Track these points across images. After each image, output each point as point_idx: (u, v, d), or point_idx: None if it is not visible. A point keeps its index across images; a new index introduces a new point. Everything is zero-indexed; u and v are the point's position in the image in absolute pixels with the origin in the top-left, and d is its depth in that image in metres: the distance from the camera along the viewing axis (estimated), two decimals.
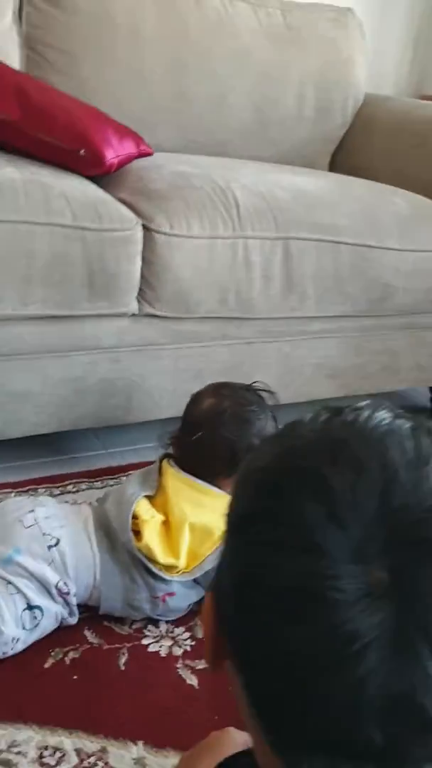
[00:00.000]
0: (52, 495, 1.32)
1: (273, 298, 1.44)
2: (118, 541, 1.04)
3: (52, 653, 0.99)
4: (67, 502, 1.26)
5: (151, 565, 1.03)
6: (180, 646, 1.04)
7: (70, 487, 1.36)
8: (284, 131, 2.00)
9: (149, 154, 1.56)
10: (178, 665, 1.01)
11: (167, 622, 1.08)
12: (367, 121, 2.10)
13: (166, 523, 1.07)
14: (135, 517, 1.05)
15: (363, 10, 2.21)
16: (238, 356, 1.50)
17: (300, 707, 0.41)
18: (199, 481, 1.11)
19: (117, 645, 1.03)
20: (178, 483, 1.11)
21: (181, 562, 1.04)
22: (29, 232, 1.15)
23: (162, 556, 1.03)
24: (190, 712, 0.94)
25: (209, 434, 1.12)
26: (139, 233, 1.26)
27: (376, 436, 0.43)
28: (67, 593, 1.00)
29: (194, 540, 1.05)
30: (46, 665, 0.97)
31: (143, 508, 1.06)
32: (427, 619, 0.38)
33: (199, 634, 1.06)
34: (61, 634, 1.02)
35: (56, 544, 1.00)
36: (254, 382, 1.22)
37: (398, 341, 1.70)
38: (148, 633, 1.06)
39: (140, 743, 0.88)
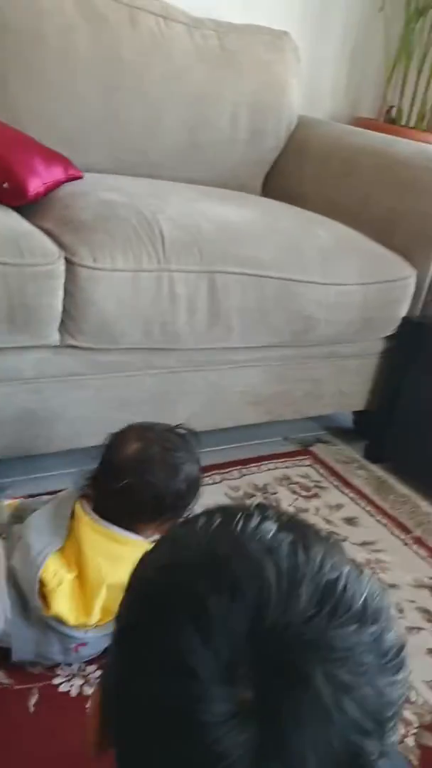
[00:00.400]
0: None
1: (198, 329, 1.46)
2: (27, 598, 1.03)
3: None
4: None
5: (62, 628, 1.02)
6: (91, 685, 1.05)
7: None
8: (217, 153, 2.02)
9: (78, 178, 1.57)
10: (88, 705, 1.02)
11: None
12: (300, 145, 2.14)
13: (78, 577, 1.05)
14: (42, 582, 1.02)
15: (300, 32, 2.25)
16: (163, 385, 1.52)
17: None
18: (117, 530, 1.08)
19: (27, 685, 1.03)
20: (94, 535, 1.07)
21: (94, 619, 1.04)
22: None
23: (74, 619, 1.02)
24: (101, 758, 0.95)
25: (136, 482, 1.08)
26: (62, 267, 1.26)
27: (256, 555, 0.45)
28: None
29: (109, 597, 1.03)
30: None
31: (50, 573, 1.02)
32: (286, 738, 0.41)
33: None
34: None
35: None
36: (178, 425, 1.19)
37: (321, 369, 1.75)
38: (59, 672, 1.07)
39: None
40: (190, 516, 0.52)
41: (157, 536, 1.13)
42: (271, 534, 0.47)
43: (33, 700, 1.01)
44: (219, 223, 1.51)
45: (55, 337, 1.30)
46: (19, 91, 1.69)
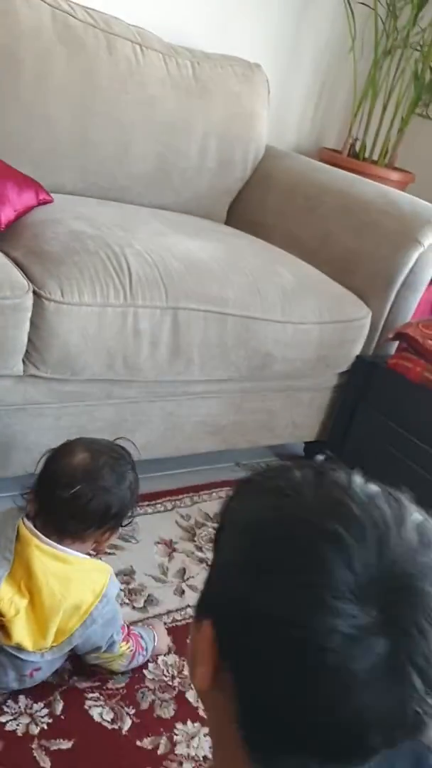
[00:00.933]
0: None
1: (159, 363, 1.48)
2: None
3: None
4: None
5: (21, 655, 1.04)
6: (37, 724, 1.07)
7: None
8: (185, 181, 2.05)
9: (49, 202, 1.58)
10: (33, 745, 1.03)
11: (27, 696, 1.10)
12: (265, 177, 2.18)
13: (31, 602, 1.06)
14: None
15: (271, 64, 2.30)
16: (121, 414, 1.54)
17: (300, 724, 0.51)
18: (63, 549, 1.08)
19: None
20: (44, 558, 1.07)
21: (50, 641, 1.06)
22: None
23: (32, 644, 1.04)
24: None
25: (88, 488, 1.08)
26: (29, 301, 1.27)
27: (364, 500, 0.54)
28: None
29: (63, 618, 1.06)
30: None
31: (6, 602, 1.03)
32: (414, 649, 0.49)
33: (58, 710, 1.10)
34: None
35: None
36: (117, 439, 1.21)
37: (275, 402, 1.79)
38: (6, 709, 1.08)
39: None
40: (271, 470, 0.60)
41: (94, 550, 1.16)
42: (363, 484, 0.56)
43: None
44: (185, 260, 1.54)
45: (18, 368, 1.32)
46: None
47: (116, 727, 1.10)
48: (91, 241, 1.44)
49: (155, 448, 1.65)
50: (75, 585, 1.08)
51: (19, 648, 1.03)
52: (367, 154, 2.62)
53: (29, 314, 1.28)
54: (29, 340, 1.31)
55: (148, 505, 1.66)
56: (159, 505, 1.67)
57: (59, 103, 1.77)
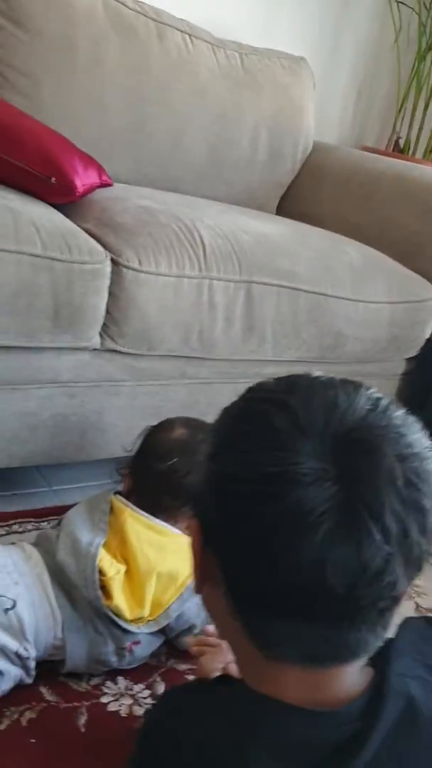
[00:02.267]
0: None
1: (233, 339, 1.42)
2: (78, 595, 0.98)
3: (7, 713, 0.92)
4: (13, 543, 1.17)
5: (120, 621, 0.98)
6: (141, 705, 0.99)
7: (15, 527, 1.29)
8: (237, 173, 2.02)
9: (109, 185, 1.54)
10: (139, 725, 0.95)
11: (126, 677, 1.02)
12: (316, 168, 2.15)
13: (127, 572, 1.02)
14: (100, 572, 0.98)
15: (313, 59, 2.27)
16: (194, 395, 1.48)
17: (273, 577, 0.53)
18: (157, 521, 1.07)
19: (75, 703, 0.96)
20: (138, 526, 1.05)
21: (147, 611, 1.00)
22: None
23: (130, 612, 0.99)
24: None
25: (185, 461, 1.07)
26: (108, 267, 1.22)
27: (319, 381, 0.60)
28: (27, 658, 0.93)
29: (158, 588, 1.01)
30: (1, 727, 0.90)
31: (106, 562, 0.99)
32: (366, 495, 0.52)
33: (159, 691, 1.02)
34: (15, 692, 0.95)
35: (12, 607, 0.92)
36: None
37: None
38: (106, 690, 1.00)
39: None
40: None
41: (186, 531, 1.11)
42: (323, 375, 0.61)
43: (82, 719, 0.94)
44: (255, 234, 1.49)
45: (96, 340, 1.26)
46: (50, 96, 1.66)
47: None
48: (161, 215, 1.39)
49: None
50: (170, 555, 1.04)
51: (117, 614, 0.97)
52: (410, 152, 2.58)
53: (108, 282, 1.22)
54: (107, 311, 1.25)
55: None
56: None
57: (113, 90, 1.75)
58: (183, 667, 1.07)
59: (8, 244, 1.10)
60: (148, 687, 1.02)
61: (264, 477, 0.54)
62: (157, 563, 1.02)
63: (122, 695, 1.00)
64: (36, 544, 1.06)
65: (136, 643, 1.01)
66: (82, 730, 0.93)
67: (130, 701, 0.99)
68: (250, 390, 0.63)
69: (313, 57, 2.34)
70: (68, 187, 1.25)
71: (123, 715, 0.97)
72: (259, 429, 0.56)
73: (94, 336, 1.25)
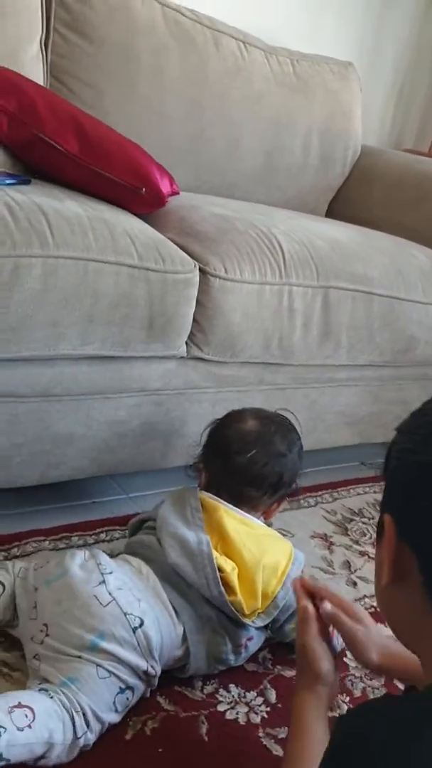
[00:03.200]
0: (86, 544, 1.25)
1: (310, 345, 1.43)
2: (195, 596, 0.98)
3: (131, 723, 0.92)
4: (115, 556, 1.12)
5: (240, 618, 0.99)
6: (257, 713, 0.99)
7: (102, 536, 1.30)
8: (290, 178, 2.02)
9: (177, 194, 1.54)
10: (260, 734, 0.96)
11: (237, 685, 1.02)
12: (366, 171, 2.15)
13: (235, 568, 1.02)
14: (218, 569, 0.99)
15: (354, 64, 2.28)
16: (270, 401, 1.47)
17: None
18: (245, 515, 1.09)
19: (193, 712, 0.97)
20: (233, 522, 1.06)
21: (259, 604, 1.02)
22: (97, 271, 1.09)
23: (246, 606, 1.00)
24: None
25: (263, 452, 1.10)
26: (197, 277, 1.23)
27: None
28: (155, 675, 0.93)
29: (263, 581, 1.03)
30: (127, 736, 0.90)
31: (220, 559, 1.00)
32: None
33: (272, 699, 1.02)
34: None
35: (141, 625, 0.91)
36: (278, 410, 1.22)
37: (411, 391, 1.73)
38: (221, 698, 1.00)
39: None
40: None
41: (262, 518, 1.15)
42: None
43: (204, 728, 0.94)
44: (328, 240, 1.50)
45: (183, 349, 1.26)
46: (113, 104, 1.67)
47: (335, 714, 1.01)
48: (237, 222, 1.40)
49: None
50: (267, 547, 1.06)
51: (239, 609, 0.99)
52: None
53: (196, 290, 1.23)
54: (194, 320, 1.26)
55: (290, 501, 1.58)
56: (302, 501, 1.60)
57: (173, 97, 1.76)
58: (290, 673, 1.07)
59: (108, 255, 1.10)
60: (260, 694, 1.02)
61: None
62: (261, 555, 1.03)
63: (237, 703, 1.00)
64: (132, 553, 1.06)
65: (250, 638, 1.03)
66: (205, 738, 0.93)
67: (245, 709, 0.99)
68: None
69: (355, 60, 2.34)
70: (158, 197, 1.26)
71: (241, 723, 0.97)
72: None
73: (181, 345, 1.26)
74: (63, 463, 1.24)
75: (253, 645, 1.04)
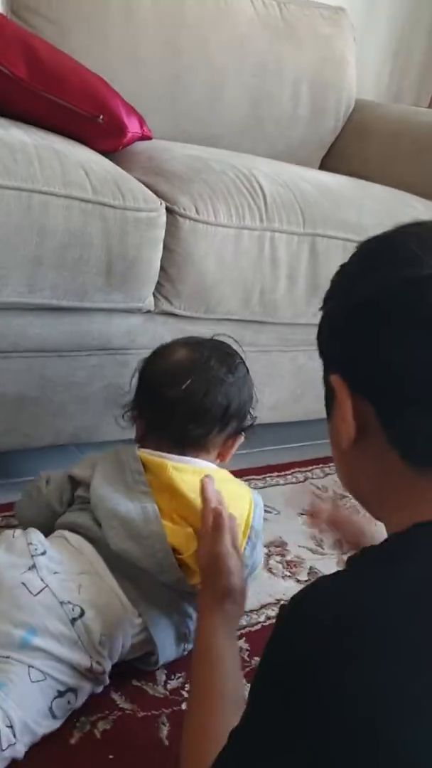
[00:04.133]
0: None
1: (297, 300, 1.29)
2: (150, 581, 0.84)
3: (78, 724, 0.79)
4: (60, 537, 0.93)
5: None
6: None
7: None
8: (279, 130, 1.87)
9: (149, 138, 1.40)
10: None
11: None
12: (360, 126, 2.00)
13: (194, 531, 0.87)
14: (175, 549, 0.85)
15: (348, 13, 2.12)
16: (252, 365, 1.31)
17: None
18: (198, 462, 0.93)
19: (154, 711, 0.83)
20: (186, 476, 0.89)
21: None
22: (43, 203, 0.95)
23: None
24: None
25: (200, 380, 0.92)
26: (164, 216, 1.08)
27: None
28: (102, 672, 0.79)
29: None
30: (72, 740, 0.77)
31: (179, 536, 0.85)
32: None
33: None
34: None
35: (80, 616, 0.77)
36: (216, 335, 1.03)
37: None
38: (186, 694, 0.86)
39: None
40: None
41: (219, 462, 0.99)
42: None
43: (164, 730, 0.81)
44: (317, 184, 1.35)
45: (149, 301, 1.12)
46: (80, 46, 1.51)
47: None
48: (213, 162, 1.25)
49: (285, 409, 1.44)
50: (229, 496, 0.90)
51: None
52: None
53: (163, 233, 1.09)
54: (162, 267, 1.11)
55: (278, 476, 1.45)
56: (290, 476, 1.46)
57: (147, 39, 1.60)
58: None
59: (56, 187, 0.96)
60: None
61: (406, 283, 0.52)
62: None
63: None
64: (72, 531, 0.88)
65: None
66: (165, 742, 0.79)
67: None
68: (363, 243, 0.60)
69: (348, 9, 2.19)
70: (117, 127, 1.12)
71: None
72: (389, 253, 0.56)
73: (147, 296, 1.11)
74: (15, 430, 1.10)
75: None
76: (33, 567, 0.77)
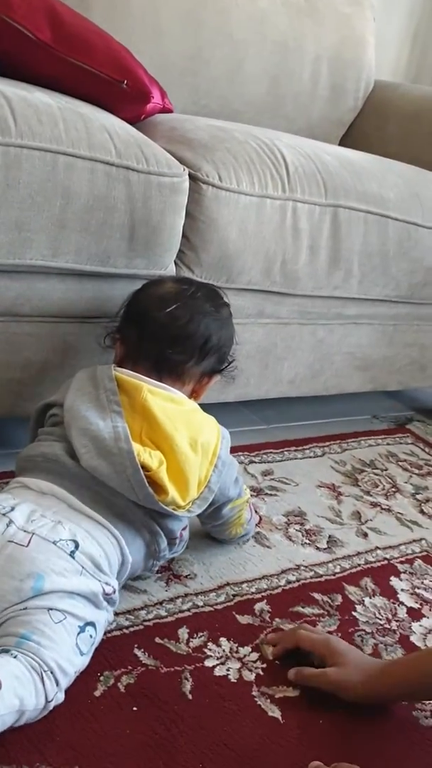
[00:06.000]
0: None
1: (318, 272, 1.28)
2: (122, 501, 0.85)
3: (101, 678, 0.79)
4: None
5: (178, 513, 0.88)
6: (251, 670, 0.85)
7: None
8: (298, 108, 1.87)
9: (170, 111, 1.39)
10: (254, 693, 0.82)
11: (229, 639, 0.89)
12: (380, 106, 1.99)
13: (164, 454, 0.88)
14: (143, 468, 0.84)
15: None
16: (271, 338, 1.33)
17: None
18: (174, 390, 0.94)
19: (176, 667, 0.83)
20: (160, 401, 0.90)
21: (194, 490, 0.90)
22: (68, 165, 0.95)
23: (183, 501, 0.88)
24: (279, 752, 0.75)
25: (185, 307, 0.94)
26: (187, 182, 1.08)
27: None
28: (113, 591, 0.81)
29: (197, 464, 0.91)
30: (97, 693, 0.77)
31: (143, 453, 0.85)
32: None
33: (269, 655, 0.88)
34: (107, 653, 0.82)
35: (76, 547, 0.78)
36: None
37: (429, 333, 1.58)
38: (209, 653, 0.86)
39: None
40: None
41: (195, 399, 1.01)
42: None
43: (187, 686, 0.81)
44: (339, 157, 1.35)
45: (171, 268, 1.12)
46: (102, 20, 1.50)
47: None
48: (237, 132, 1.25)
49: (303, 384, 1.44)
50: (198, 425, 0.92)
51: (173, 506, 0.87)
52: None
53: (186, 199, 1.09)
54: (184, 235, 1.11)
55: (296, 450, 1.45)
56: (308, 451, 1.46)
57: (169, 12, 1.60)
58: (289, 626, 0.93)
59: (81, 149, 0.96)
60: (255, 650, 0.89)
61: None
62: (195, 436, 0.90)
63: (228, 658, 0.86)
64: (29, 471, 0.87)
65: (185, 528, 0.94)
66: (189, 696, 0.79)
67: (237, 665, 0.85)
68: None
69: None
70: (142, 92, 1.11)
71: (232, 680, 0.83)
72: None
73: (169, 263, 1.11)
74: (38, 395, 1.10)
75: (187, 531, 0.96)
76: (10, 523, 0.78)
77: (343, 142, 2.01)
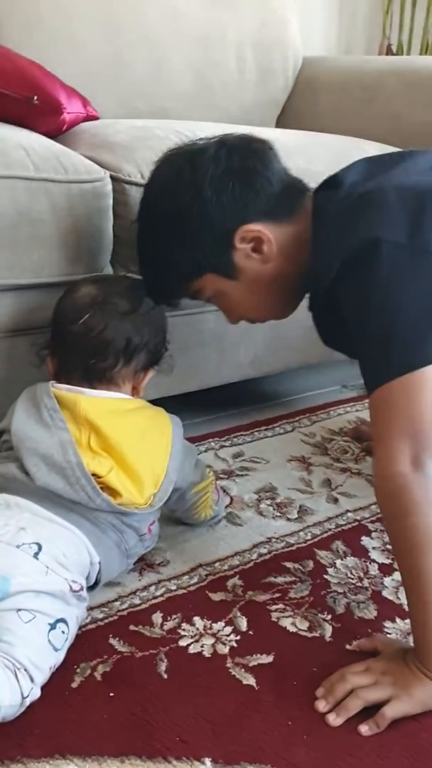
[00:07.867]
0: None
1: None
2: (83, 509, 0.88)
3: (78, 669, 0.82)
4: None
5: (140, 510, 0.91)
6: (224, 644, 0.88)
7: None
8: (228, 96, 1.89)
9: (96, 118, 1.42)
10: (229, 664, 0.85)
11: (203, 617, 0.92)
12: (310, 81, 2.02)
13: (114, 458, 0.92)
14: (94, 476, 0.88)
15: None
16: (222, 323, 1.35)
17: None
18: (108, 393, 0.96)
19: (151, 651, 0.86)
20: (99, 410, 0.92)
21: (152, 484, 0.94)
22: None
23: (141, 497, 0.92)
24: (257, 717, 0.78)
25: (98, 315, 0.95)
26: (109, 185, 1.11)
27: None
28: (80, 589, 0.84)
29: (153, 458, 0.95)
30: (74, 684, 0.80)
31: (92, 462, 0.89)
32: None
33: (243, 626, 0.91)
34: (82, 646, 0.85)
35: (39, 549, 0.81)
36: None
37: None
38: (183, 632, 0.90)
39: (208, 761, 0.73)
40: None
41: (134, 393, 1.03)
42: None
43: (162, 666, 0.84)
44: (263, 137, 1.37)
45: (108, 269, 1.15)
46: (17, 40, 1.53)
47: (317, 634, 0.91)
48: (157, 129, 1.28)
49: (264, 363, 1.47)
50: (144, 423, 0.96)
51: (132, 505, 0.91)
52: (404, 55, 2.44)
53: (111, 201, 1.11)
54: (116, 235, 1.14)
55: (266, 429, 1.48)
56: (278, 428, 1.49)
57: (84, 22, 1.63)
58: (263, 598, 0.96)
59: None
60: (228, 623, 0.92)
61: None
62: (140, 437, 0.94)
63: (202, 635, 0.89)
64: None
65: (152, 523, 0.97)
66: (164, 676, 0.83)
67: (211, 641, 0.89)
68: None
69: None
70: (53, 106, 1.14)
71: (206, 656, 0.86)
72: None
73: (105, 264, 1.14)
74: None
75: (156, 527, 0.99)
76: None
77: (281, 120, 2.04)
